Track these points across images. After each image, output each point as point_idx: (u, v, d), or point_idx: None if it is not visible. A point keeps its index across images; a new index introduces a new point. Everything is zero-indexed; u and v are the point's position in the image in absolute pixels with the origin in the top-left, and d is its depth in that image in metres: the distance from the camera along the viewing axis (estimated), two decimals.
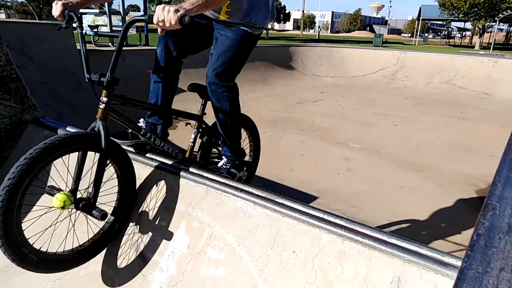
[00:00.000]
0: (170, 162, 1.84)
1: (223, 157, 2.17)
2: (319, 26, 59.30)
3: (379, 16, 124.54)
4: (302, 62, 10.31)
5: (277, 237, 1.44)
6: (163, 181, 1.80)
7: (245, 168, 2.24)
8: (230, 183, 1.67)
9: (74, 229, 1.59)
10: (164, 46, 1.92)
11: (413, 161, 4.21)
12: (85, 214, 1.53)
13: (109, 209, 1.65)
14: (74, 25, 1.60)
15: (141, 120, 2.01)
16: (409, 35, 75.96)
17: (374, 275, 1.23)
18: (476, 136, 5.44)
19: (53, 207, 1.39)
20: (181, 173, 1.76)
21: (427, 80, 9.49)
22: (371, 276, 1.23)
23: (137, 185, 1.80)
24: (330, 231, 1.35)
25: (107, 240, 1.70)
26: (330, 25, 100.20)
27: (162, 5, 1.35)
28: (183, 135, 2.51)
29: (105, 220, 1.66)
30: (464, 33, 59.34)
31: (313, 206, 1.49)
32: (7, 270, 1.84)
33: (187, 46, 1.98)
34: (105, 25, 8.13)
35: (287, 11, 57.82)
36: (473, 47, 36.93)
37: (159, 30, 1.42)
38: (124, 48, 1.56)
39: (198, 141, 2.12)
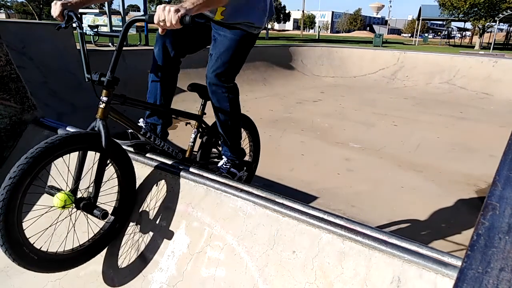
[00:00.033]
0: (170, 162, 1.84)
1: (223, 156, 2.17)
2: (319, 26, 59.30)
3: (379, 16, 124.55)
4: (302, 62, 10.31)
5: (277, 237, 1.44)
6: (163, 181, 1.80)
7: (245, 168, 2.24)
8: (230, 183, 1.67)
9: (74, 229, 1.60)
10: (161, 46, 1.92)
11: (413, 161, 4.21)
12: (86, 214, 1.53)
13: (109, 209, 1.65)
14: (74, 25, 1.60)
15: (141, 120, 2.01)
16: (409, 35, 75.98)
17: (374, 275, 1.23)
18: (476, 136, 5.44)
19: (54, 206, 1.39)
20: (181, 173, 1.76)
21: (427, 80, 9.49)
22: (371, 276, 1.23)
23: (137, 185, 1.80)
24: (330, 231, 1.35)
25: (107, 240, 1.70)
26: (330, 25, 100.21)
27: (163, 5, 1.35)
28: (183, 135, 2.51)
29: (105, 220, 1.66)
30: (464, 33, 59.34)
31: (313, 206, 1.49)
32: (7, 270, 1.84)
33: (185, 46, 1.97)
34: (105, 25, 8.13)
35: (287, 11, 57.80)
36: (473, 47, 36.93)
37: (159, 29, 1.42)
38: (124, 48, 1.56)
39: (198, 141, 2.12)
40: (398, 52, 10.55)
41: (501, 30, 65.16)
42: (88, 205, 1.49)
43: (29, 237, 1.37)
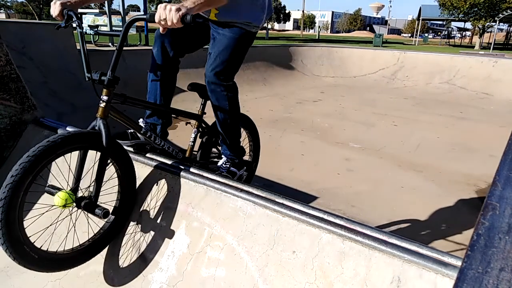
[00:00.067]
0: (170, 162, 1.84)
1: (222, 156, 2.17)
2: (319, 26, 59.28)
3: (379, 16, 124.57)
4: (302, 62, 10.31)
5: (277, 237, 1.44)
6: (163, 181, 1.80)
7: (245, 167, 2.24)
8: (230, 183, 1.67)
9: (74, 229, 1.60)
10: (160, 46, 1.92)
11: (413, 161, 4.21)
12: (86, 213, 1.53)
13: (109, 208, 1.65)
14: (74, 24, 1.60)
15: (140, 120, 2.01)
16: (409, 35, 75.98)
17: (374, 275, 1.23)
18: (476, 136, 5.45)
19: (55, 205, 1.39)
20: (181, 173, 1.76)
21: (427, 80, 9.49)
22: (371, 276, 1.23)
23: (137, 185, 1.80)
24: (330, 231, 1.35)
25: (107, 240, 1.70)
26: (330, 25, 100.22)
27: (164, 4, 1.35)
28: (183, 135, 2.51)
29: (105, 220, 1.66)
30: (464, 33, 59.35)
31: (313, 206, 1.49)
32: (7, 270, 1.84)
33: (183, 45, 1.97)
34: (105, 25, 8.13)
35: (287, 11, 57.84)
36: (473, 47, 36.92)
37: (161, 28, 1.42)
38: (124, 48, 1.56)
39: (198, 140, 2.12)
40: (398, 52, 10.56)
41: (501, 30, 65.17)
42: (89, 204, 1.49)
43: (30, 236, 1.37)
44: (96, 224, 1.66)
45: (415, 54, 10.52)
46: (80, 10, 1.77)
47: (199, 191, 1.69)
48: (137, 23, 7.10)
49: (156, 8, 1.37)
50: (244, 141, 2.36)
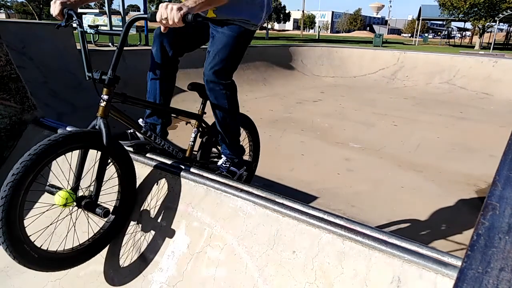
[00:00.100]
0: (170, 162, 1.84)
1: (222, 155, 2.17)
2: (319, 26, 59.30)
3: (379, 16, 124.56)
4: (302, 62, 10.31)
5: (277, 237, 1.44)
6: (163, 180, 1.80)
7: (245, 167, 2.24)
8: (230, 183, 1.67)
9: (74, 228, 1.60)
10: (159, 45, 1.92)
11: (413, 161, 4.21)
12: (86, 213, 1.53)
13: (109, 208, 1.65)
14: (74, 24, 1.60)
15: (140, 120, 2.01)
16: (409, 35, 75.98)
17: (374, 275, 1.23)
18: (476, 136, 5.45)
19: (55, 204, 1.39)
20: (181, 173, 1.76)
21: (427, 80, 9.49)
22: (371, 276, 1.23)
23: (137, 185, 1.80)
24: (330, 231, 1.35)
25: (107, 240, 1.70)
26: (330, 25, 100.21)
27: (165, 3, 1.36)
28: (183, 135, 2.51)
29: (106, 220, 1.66)
30: (464, 33, 59.35)
31: (313, 206, 1.49)
32: (7, 270, 1.84)
33: (182, 45, 1.97)
34: (105, 25, 8.13)
35: (287, 11, 57.81)
36: (473, 47, 36.93)
37: (162, 28, 1.42)
38: (124, 48, 1.56)
39: (198, 140, 2.12)
40: (398, 52, 10.55)
41: (501, 30, 65.17)
42: (90, 203, 1.49)
43: (30, 235, 1.37)
44: (96, 223, 1.66)
45: (415, 54, 10.52)
46: (80, 10, 1.76)
47: (199, 191, 1.69)
48: (137, 23, 7.11)
49: (156, 8, 1.38)
50: (244, 141, 2.36)
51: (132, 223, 1.78)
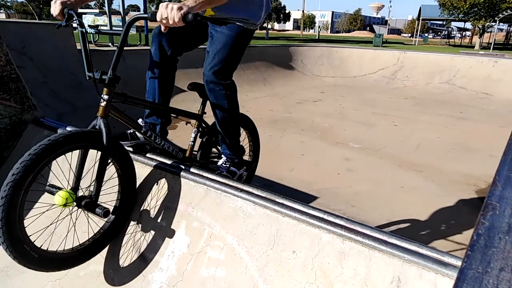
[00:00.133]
0: (170, 162, 1.84)
1: (222, 155, 2.17)
2: (319, 26, 59.30)
3: (379, 16, 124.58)
4: (302, 62, 10.31)
5: (277, 237, 1.44)
6: (163, 180, 1.80)
7: (245, 167, 2.24)
8: (230, 183, 1.67)
9: (74, 228, 1.60)
10: (158, 45, 1.92)
11: (413, 161, 4.21)
12: (86, 213, 1.53)
13: (109, 208, 1.65)
14: (74, 24, 1.60)
15: (140, 120, 2.01)
16: (409, 35, 75.99)
17: (374, 275, 1.23)
18: (476, 136, 5.45)
19: (55, 204, 1.39)
20: (181, 173, 1.76)
21: (427, 80, 9.49)
22: (371, 276, 1.23)
23: (137, 185, 1.80)
24: (330, 231, 1.35)
25: (107, 240, 1.70)
26: (330, 25, 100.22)
27: (165, 3, 1.36)
28: (183, 135, 2.51)
29: (106, 220, 1.66)
30: (464, 33, 59.35)
31: (313, 206, 1.49)
32: (7, 270, 1.84)
33: (181, 44, 1.97)
34: (105, 25, 8.13)
35: (287, 11, 57.84)
36: (473, 47, 36.92)
37: (162, 27, 1.42)
38: (124, 48, 1.56)
39: (198, 140, 2.12)
40: (398, 52, 10.55)
41: (501, 30, 65.16)
42: (90, 203, 1.49)
43: (30, 235, 1.37)
44: (96, 223, 1.66)
45: (415, 54, 10.52)
46: (80, 10, 1.76)
47: (199, 191, 1.69)
48: (137, 23, 7.11)
49: (156, 8, 1.38)
50: (244, 141, 2.36)
51: (132, 223, 1.78)
